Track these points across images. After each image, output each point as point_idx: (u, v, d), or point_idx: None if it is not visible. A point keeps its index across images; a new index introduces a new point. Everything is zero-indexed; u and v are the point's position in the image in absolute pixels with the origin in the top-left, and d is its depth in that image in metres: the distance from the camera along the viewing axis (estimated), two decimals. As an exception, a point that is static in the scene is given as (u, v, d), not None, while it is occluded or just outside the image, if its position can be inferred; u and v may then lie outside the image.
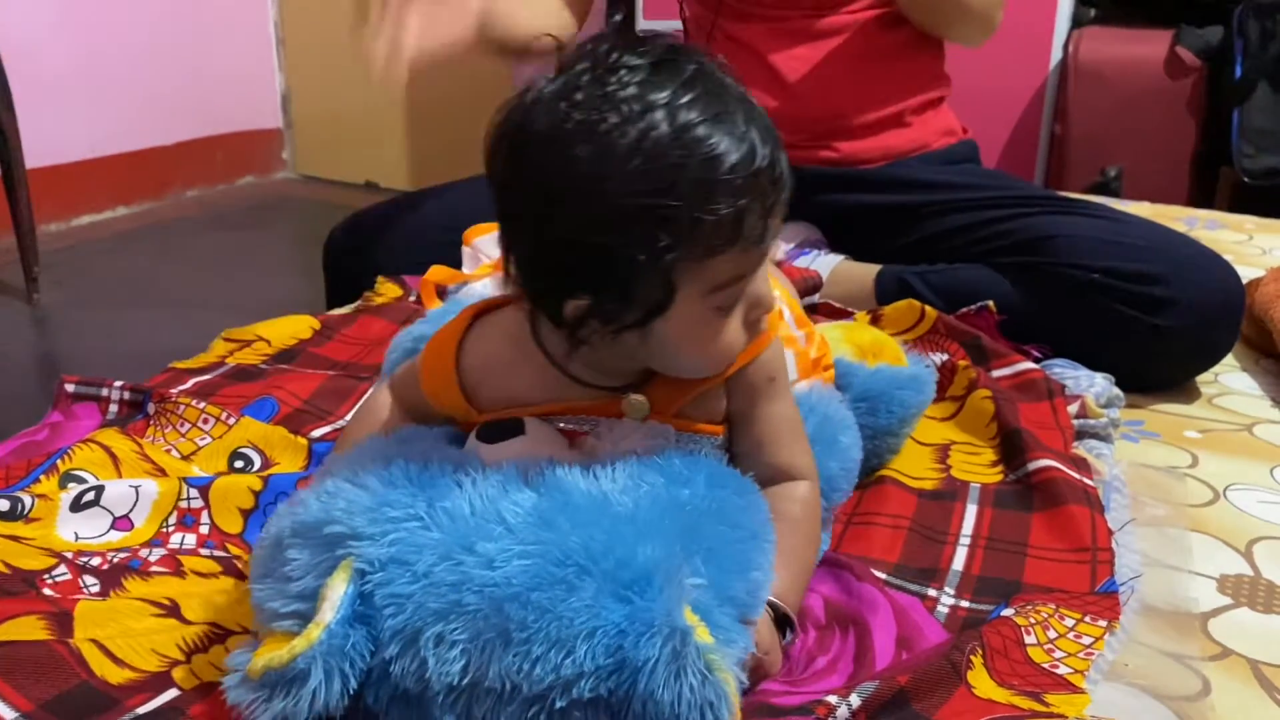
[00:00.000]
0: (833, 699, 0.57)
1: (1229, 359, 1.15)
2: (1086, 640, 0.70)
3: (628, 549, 0.54)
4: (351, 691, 0.54)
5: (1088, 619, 0.71)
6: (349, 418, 0.96)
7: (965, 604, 0.73)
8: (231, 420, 0.92)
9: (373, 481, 0.59)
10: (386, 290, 1.28)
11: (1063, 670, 0.66)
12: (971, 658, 0.63)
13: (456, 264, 1.27)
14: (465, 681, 0.53)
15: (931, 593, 0.74)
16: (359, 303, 1.27)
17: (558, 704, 0.52)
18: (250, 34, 3.57)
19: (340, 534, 0.56)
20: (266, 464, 0.89)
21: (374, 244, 1.36)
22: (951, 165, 1.33)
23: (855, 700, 0.57)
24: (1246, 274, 1.24)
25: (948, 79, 1.36)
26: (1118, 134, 2.16)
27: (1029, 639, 0.67)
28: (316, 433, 0.93)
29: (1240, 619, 0.74)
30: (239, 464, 0.89)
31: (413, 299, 1.25)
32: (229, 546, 0.77)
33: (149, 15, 3.18)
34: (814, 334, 0.87)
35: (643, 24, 2.72)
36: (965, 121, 1.39)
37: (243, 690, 0.53)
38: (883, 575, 0.75)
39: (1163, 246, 1.07)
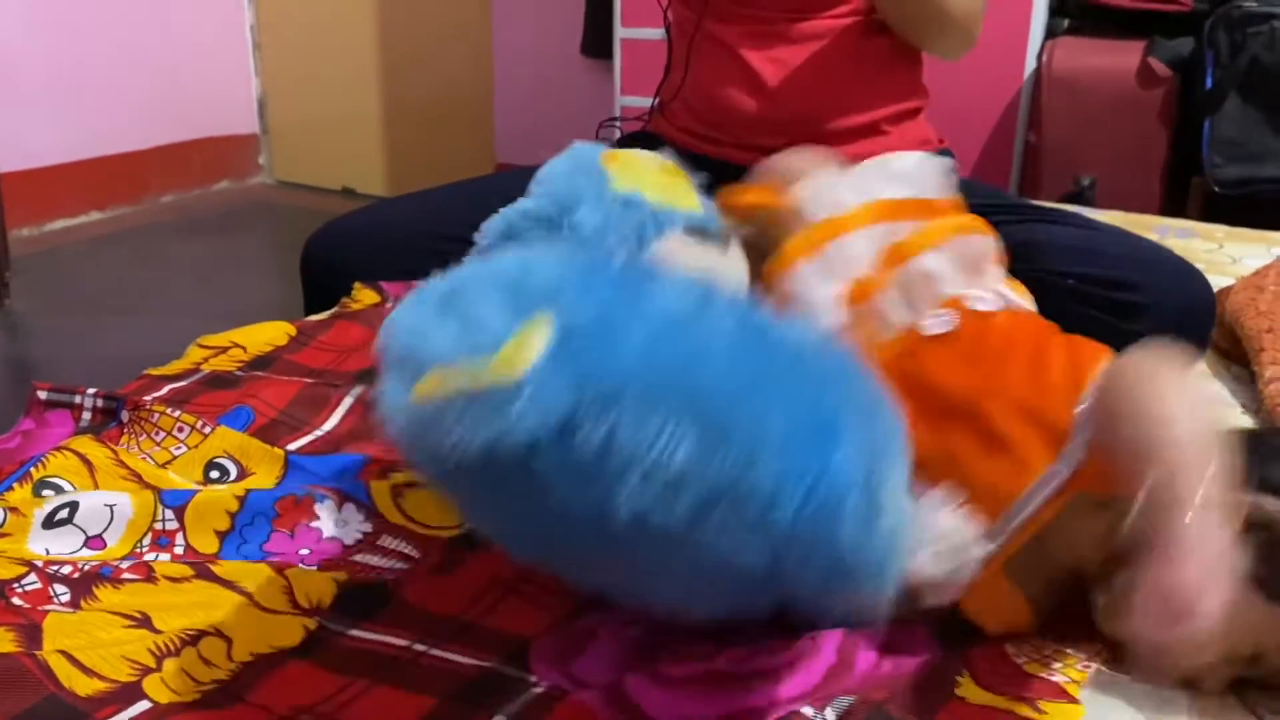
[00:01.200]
0: (808, 710, 0.57)
1: (1201, 367, 1.16)
2: (1082, 654, 0.70)
3: (838, 387, 0.53)
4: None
5: (1086, 640, 0.71)
6: (325, 428, 0.96)
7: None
8: (207, 429, 0.91)
9: (564, 262, 0.56)
10: (364, 296, 1.27)
11: (1058, 679, 0.66)
12: (957, 677, 0.63)
13: (432, 270, 1.27)
14: (650, 456, 0.49)
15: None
16: (336, 309, 1.26)
17: (730, 512, 0.49)
18: (227, 38, 3.55)
19: (543, 290, 0.52)
20: (243, 474, 0.88)
21: (351, 250, 1.35)
22: None
23: (830, 715, 0.57)
24: (1217, 282, 1.25)
25: (926, 91, 1.37)
26: (1091, 143, 2.18)
27: (1020, 659, 0.67)
28: (293, 445, 0.92)
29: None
30: (214, 474, 0.88)
31: (389, 305, 1.25)
32: (208, 567, 0.76)
33: (125, 20, 3.16)
34: None
35: (621, 31, 2.73)
36: (941, 131, 1.40)
37: (423, 410, 0.49)
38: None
39: (1136, 254, 1.08)
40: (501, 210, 0.78)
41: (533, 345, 0.50)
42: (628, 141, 1.49)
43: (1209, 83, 2.07)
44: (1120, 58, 2.17)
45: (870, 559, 0.51)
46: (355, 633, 0.69)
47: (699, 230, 0.63)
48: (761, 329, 0.56)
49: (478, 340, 0.52)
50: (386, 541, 0.80)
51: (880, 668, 0.64)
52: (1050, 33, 2.31)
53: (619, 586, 0.62)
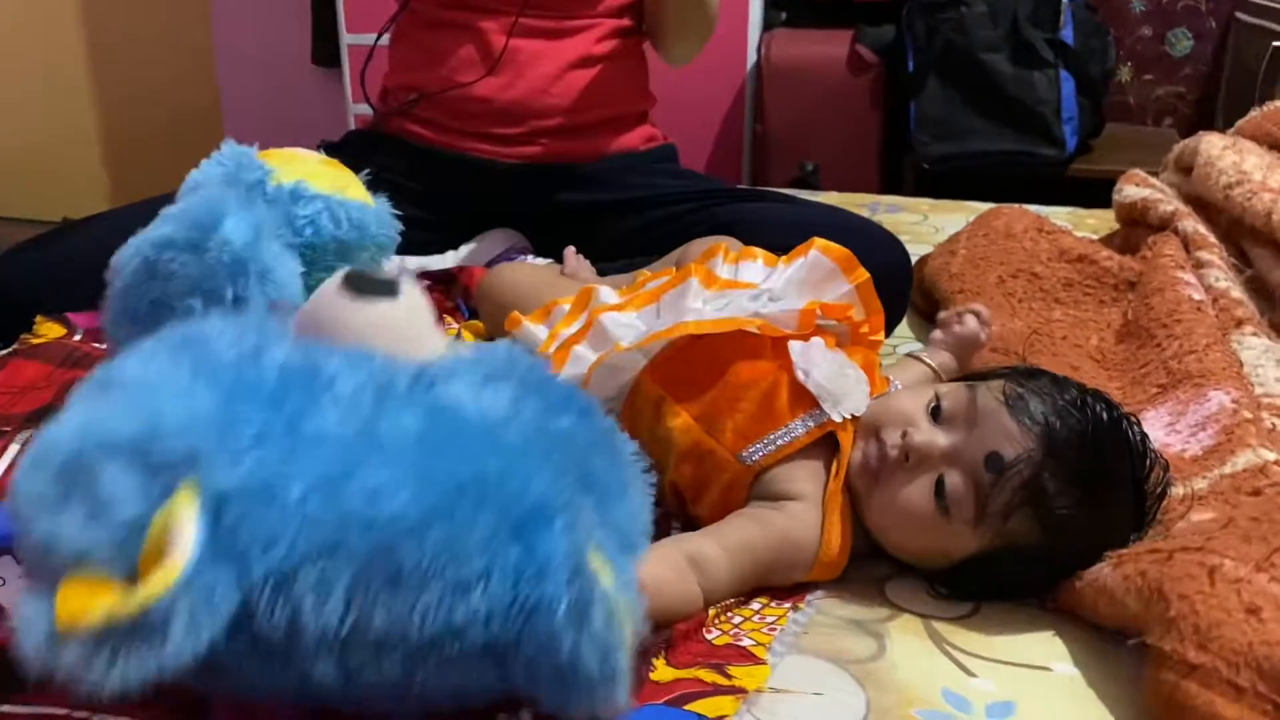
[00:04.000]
0: (501, 716, 0.54)
1: (905, 331, 1.22)
2: (770, 619, 0.71)
3: (522, 482, 0.49)
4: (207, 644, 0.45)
5: (774, 603, 0.73)
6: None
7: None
8: None
9: (203, 387, 0.49)
10: (47, 330, 1.15)
11: (746, 643, 0.67)
12: (654, 659, 0.63)
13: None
14: (344, 630, 0.46)
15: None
16: (14, 346, 1.14)
17: (445, 653, 0.47)
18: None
19: (179, 453, 0.46)
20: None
21: (32, 280, 1.23)
22: (655, 164, 1.39)
23: (526, 716, 0.54)
24: (922, 250, 1.32)
25: (653, 97, 1.43)
26: (812, 130, 2.27)
27: (711, 634, 0.68)
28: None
29: (914, 581, 0.77)
30: None
31: (77, 338, 1.14)
32: None
33: None
34: None
35: (347, 38, 2.64)
36: (674, 125, 1.47)
37: (71, 649, 0.43)
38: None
39: (833, 225, 1.12)
40: (132, 241, 0.71)
41: (182, 535, 0.44)
42: (354, 139, 1.44)
43: (910, 66, 2.20)
44: (832, 47, 2.28)
45: (593, 662, 0.48)
46: (6, 709, 0.61)
47: (358, 279, 0.57)
48: (447, 411, 0.52)
49: (113, 525, 0.46)
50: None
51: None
52: (768, 24, 2.40)
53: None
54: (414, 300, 0.58)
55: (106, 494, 0.46)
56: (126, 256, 0.70)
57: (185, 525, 0.45)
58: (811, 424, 0.77)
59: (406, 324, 0.57)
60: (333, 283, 0.58)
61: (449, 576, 0.47)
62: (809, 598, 0.73)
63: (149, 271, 0.68)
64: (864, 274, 0.86)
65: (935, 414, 0.74)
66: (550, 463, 0.51)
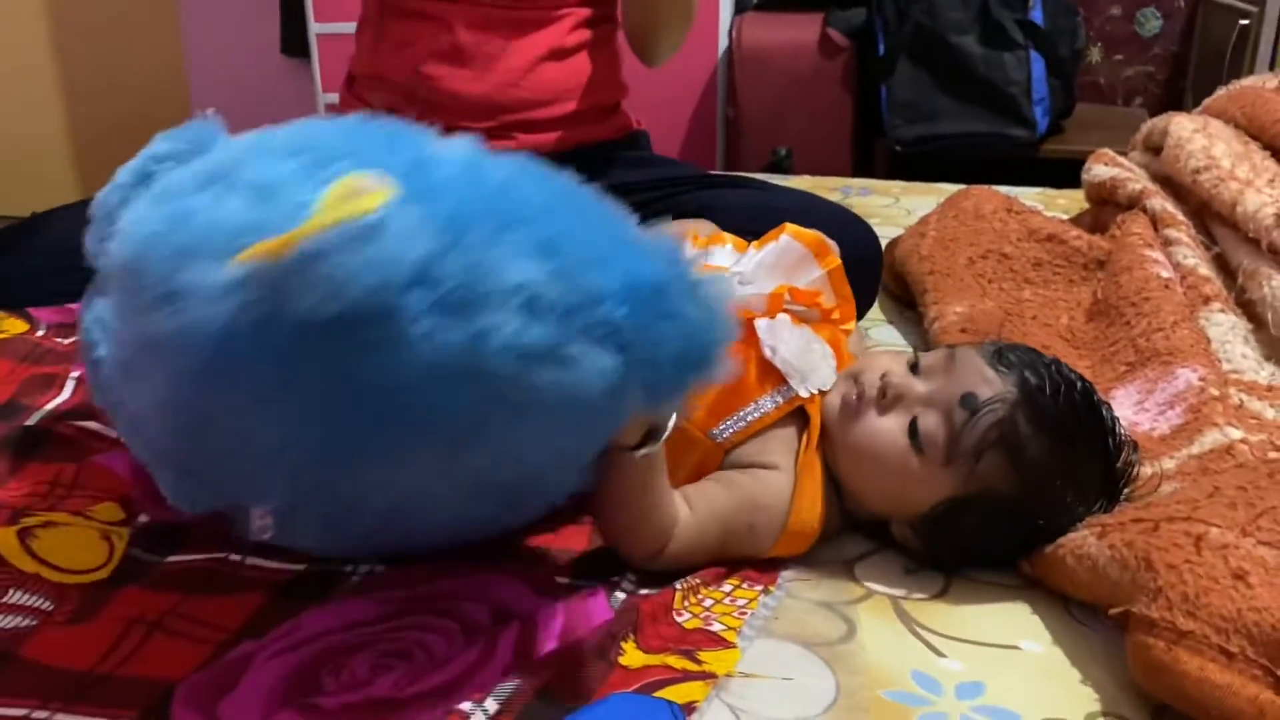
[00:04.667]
0: (466, 705, 0.54)
1: (877, 314, 1.21)
2: (741, 602, 0.71)
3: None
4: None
5: (745, 585, 0.73)
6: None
7: (644, 591, 0.72)
8: None
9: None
10: (9, 325, 1.14)
11: (716, 627, 0.67)
12: (623, 644, 0.63)
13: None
14: (529, 294, 0.54)
15: (615, 578, 0.73)
16: (-25, 344, 1.12)
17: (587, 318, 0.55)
18: None
19: (330, 147, 0.57)
20: None
21: (2, 275, 1.22)
22: (627, 152, 1.37)
23: (492, 705, 0.54)
24: (892, 233, 1.32)
25: (626, 87, 1.41)
26: (784, 114, 2.27)
27: (681, 617, 0.67)
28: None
29: (884, 561, 0.77)
30: None
31: (40, 333, 1.12)
32: None
33: None
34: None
35: (316, 27, 2.61)
36: (646, 110, 1.45)
37: (279, 270, 0.49)
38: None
39: (802, 209, 1.12)
40: (124, 169, 0.70)
41: (378, 180, 0.50)
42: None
43: (881, 49, 2.20)
44: (803, 30, 2.27)
45: (703, 319, 0.59)
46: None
47: None
48: (531, 172, 0.63)
49: (290, 202, 0.52)
50: (13, 597, 0.70)
51: (548, 654, 0.62)
52: (739, 8, 2.39)
53: (394, 504, 0.63)
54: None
55: (267, 182, 0.54)
56: (124, 177, 0.70)
57: (376, 178, 0.51)
58: (780, 400, 0.78)
59: None
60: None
61: (586, 247, 0.57)
62: (780, 580, 0.73)
63: (143, 178, 0.68)
64: (835, 260, 0.86)
65: (914, 369, 0.76)
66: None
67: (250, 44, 3.08)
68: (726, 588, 0.71)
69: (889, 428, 0.74)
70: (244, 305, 0.51)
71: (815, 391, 0.78)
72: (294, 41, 2.94)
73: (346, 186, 0.51)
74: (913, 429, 0.73)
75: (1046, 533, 0.72)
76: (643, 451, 0.68)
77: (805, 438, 0.77)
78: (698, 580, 0.72)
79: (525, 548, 0.75)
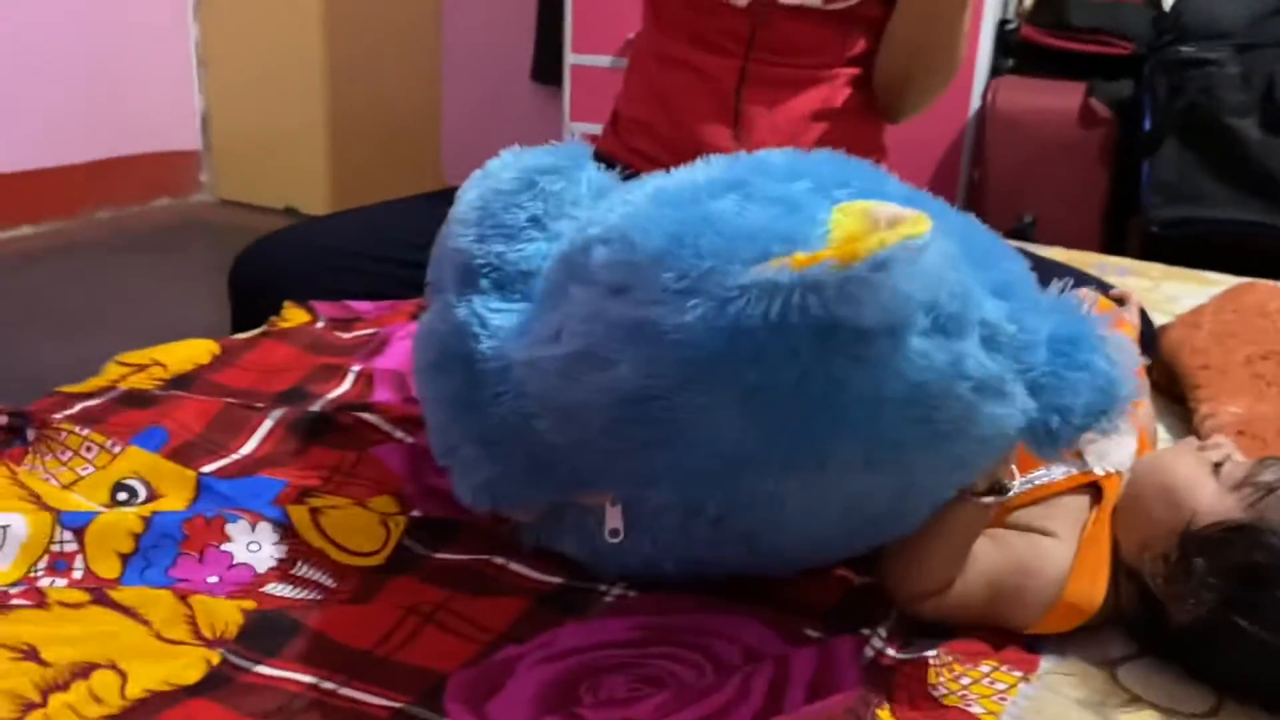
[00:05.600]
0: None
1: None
2: (1001, 686, 0.69)
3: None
4: None
5: (1004, 669, 0.70)
6: (242, 452, 0.92)
7: (891, 651, 0.71)
8: (117, 449, 0.87)
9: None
10: (293, 316, 1.23)
11: (975, 710, 0.65)
12: (878, 710, 0.62)
13: (363, 290, 1.24)
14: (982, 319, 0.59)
15: (865, 631, 0.72)
16: (263, 328, 1.22)
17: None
18: (171, 53, 3.49)
19: (825, 176, 0.66)
20: (152, 496, 0.84)
21: (282, 269, 1.32)
22: None
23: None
24: (1154, 321, 1.26)
25: (886, 150, 1.37)
26: (1033, 181, 2.20)
27: (937, 692, 0.66)
28: (207, 467, 0.88)
29: (1149, 667, 0.73)
30: (122, 495, 0.84)
31: (320, 324, 1.21)
32: (106, 592, 0.71)
33: (65, 31, 3.10)
34: None
35: (571, 58, 2.72)
36: (890, 169, 1.41)
37: (857, 273, 0.51)
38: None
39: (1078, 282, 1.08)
40: (499, 179, 0.75)
41: (906, 214, 0.54)
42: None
43: (1147, 125, 2.10)
44: (1063, 98, 2.20)
45: (1113, 374, 0.62)
46: (260, 669, 0.65)
47: None
48: (972, 221, 0.72)
49: (812, 219, 0.57)
50: (301, 570, 0.76)
51: (803, 708, 0.62)
52: (995, 71, 2.34)
53: (772, 520, 0.66)
54: None
55: (792, 200, 0.60)
56: (496, 173, 0.76)
57: (907, 214, 0.54)
58: (1072, 470, 0.76)
59: None
60: None
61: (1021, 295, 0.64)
62: (1040, 670, 0.70)
63: (528, 186, 0.74)
64: (1133, 330, 0.83)
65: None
66: None
67: (503, 66, 3.23)
68: (985, 668, 0.69)
69: (1188, 459, 0.75)
70: (769, 306, 0.53)
71: (1110, 471, 0.75)
72: (546, 69, 3.06)
73: (862, 211, 0.55)
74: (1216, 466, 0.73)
75: None
76: (988, 500, 0.68)
77: (1096, 510, 0.75)
78: (951, 657, 0.70)
79: (776, 594, 0.75)
